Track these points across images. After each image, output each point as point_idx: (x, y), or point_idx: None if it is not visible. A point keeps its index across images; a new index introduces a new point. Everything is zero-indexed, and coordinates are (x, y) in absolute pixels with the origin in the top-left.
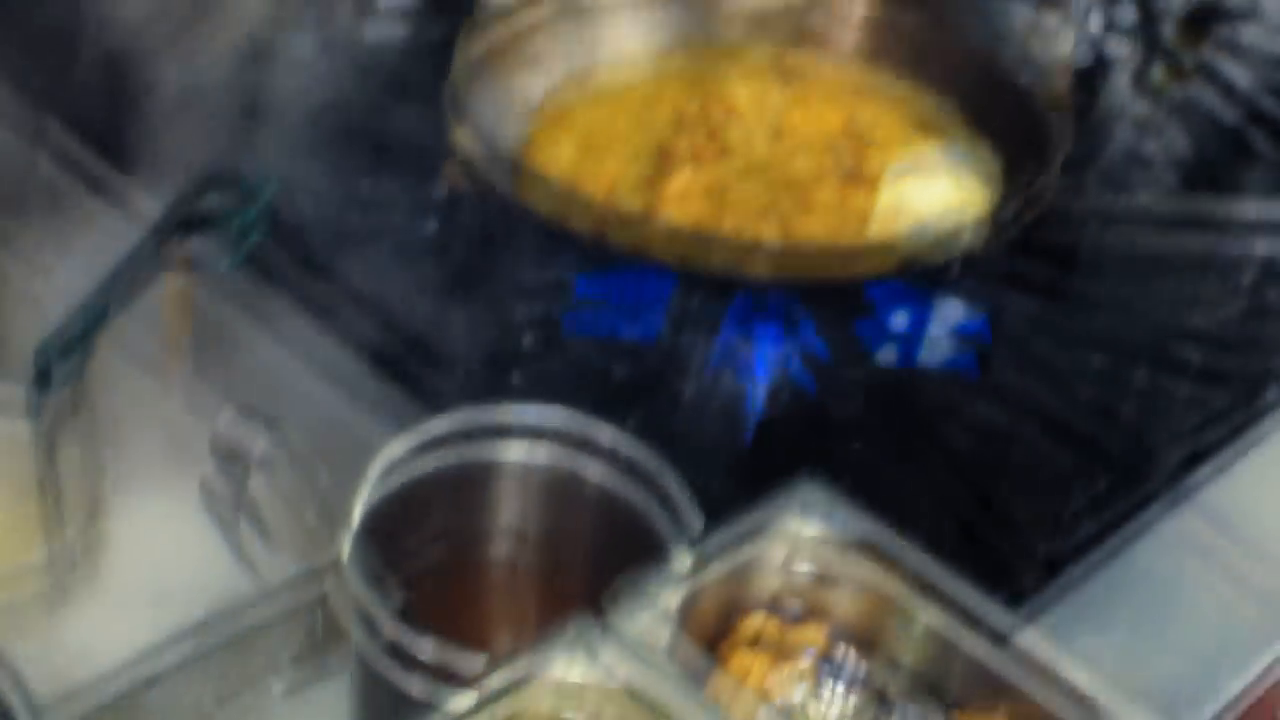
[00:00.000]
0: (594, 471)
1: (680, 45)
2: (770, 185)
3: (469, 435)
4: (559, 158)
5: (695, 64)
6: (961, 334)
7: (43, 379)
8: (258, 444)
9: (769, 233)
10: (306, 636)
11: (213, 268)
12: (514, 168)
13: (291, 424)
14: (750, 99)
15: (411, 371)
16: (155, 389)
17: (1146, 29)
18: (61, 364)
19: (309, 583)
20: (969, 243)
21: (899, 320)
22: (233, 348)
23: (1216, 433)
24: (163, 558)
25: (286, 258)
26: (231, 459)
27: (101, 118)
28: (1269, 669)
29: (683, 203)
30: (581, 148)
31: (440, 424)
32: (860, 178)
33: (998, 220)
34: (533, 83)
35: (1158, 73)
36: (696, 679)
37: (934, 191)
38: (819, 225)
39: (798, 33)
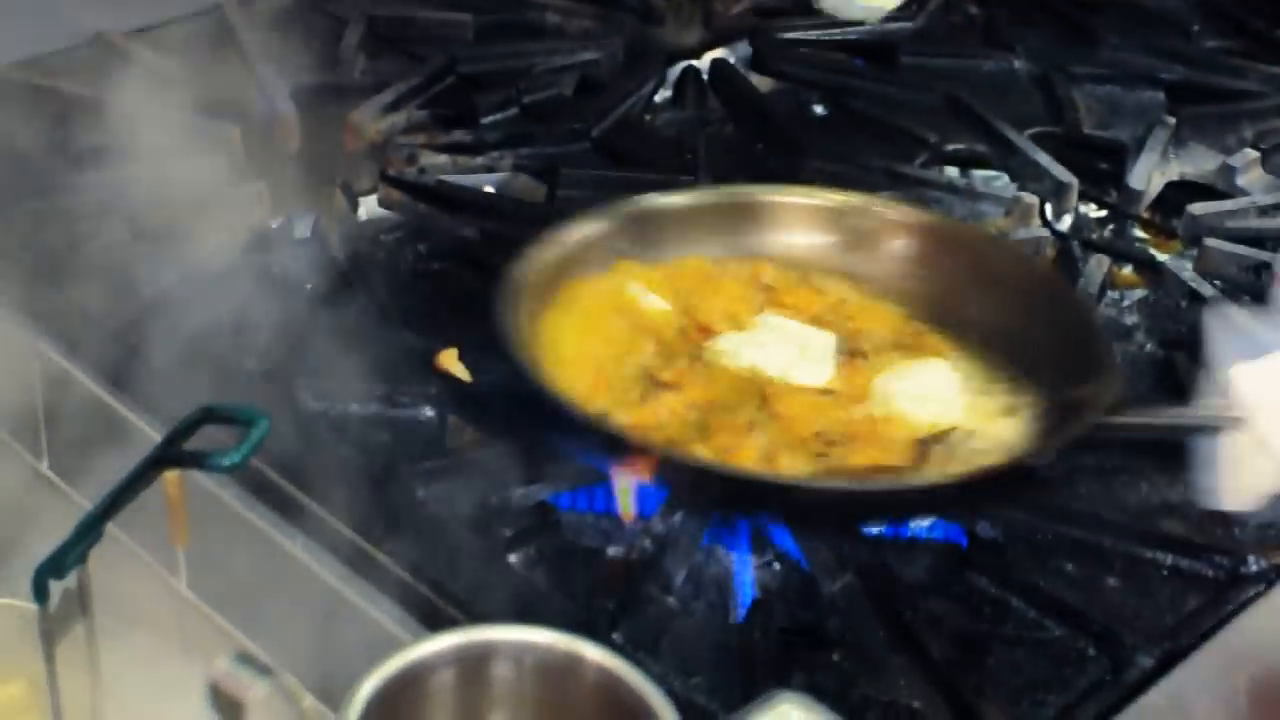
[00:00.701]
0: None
1: (667, 263)
2: (750, 401)
3: (457, 654)
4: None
5: (680, 285)
6: (939, 544)
7: (41, 595)
8: (255, 691)
9: (750, 453)
10: None
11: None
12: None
13: (276, 643)
14: (730, 318)
15: (402, 584)
16: (158, 590)
17: (1117, 227)
18: (59, 582)
19: None
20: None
21: (877, 533)
22: (226, 554)
23: (1190, 634)
24: None
25: (278, 476)
26: (227, 706)
27: (98, 342)
28: None
29: (668, 422)
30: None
31: (427, 646)
32: (846, 395)
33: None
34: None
35: (1127, 273)
36: None
37: (920, 408)
38: (804, 442)
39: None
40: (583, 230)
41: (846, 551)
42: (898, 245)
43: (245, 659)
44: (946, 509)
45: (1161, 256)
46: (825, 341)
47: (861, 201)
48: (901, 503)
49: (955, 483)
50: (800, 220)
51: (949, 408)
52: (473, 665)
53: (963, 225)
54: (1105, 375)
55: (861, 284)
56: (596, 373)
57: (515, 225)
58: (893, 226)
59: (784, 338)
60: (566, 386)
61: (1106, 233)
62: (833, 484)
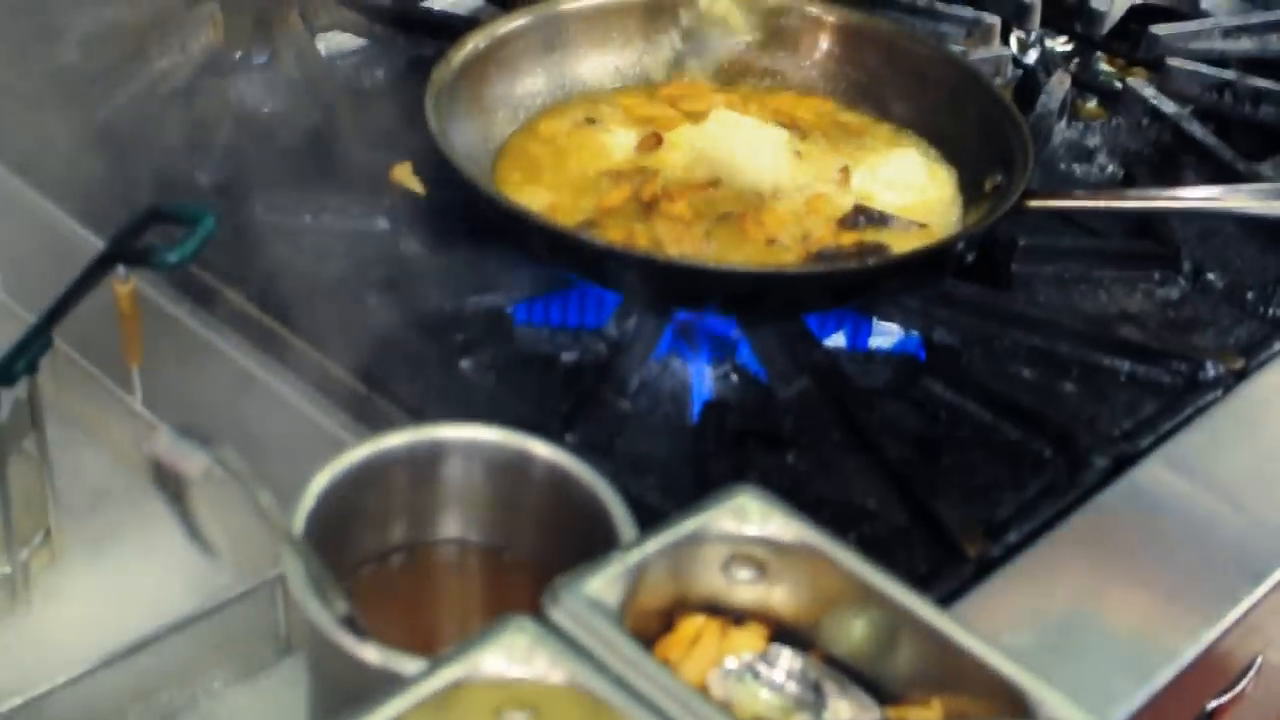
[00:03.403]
0: (543, 452)
1: (638, 82)
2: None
3: (409, 452)
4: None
5: (648, 101)
6: (897, 352)
7: None
8: (195, 463)
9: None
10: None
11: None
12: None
13: (235, 444)
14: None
15: (354, 392)
16: (114, 409)
17: (1082, 61)
18: (7, 390)
19: (258, 595)
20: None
21: (835, 341)
22: (180, 369)
23: (1146, 437)
24: (118, 570)
25: (231, 290)
26: (170, 480)
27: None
28: (1197, 658)
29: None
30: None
31: (380, 442)
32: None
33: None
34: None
35: (1092, 106)
36: (637, 674)
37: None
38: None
39: (757, 71)
40: (501, 29)
41: (803, 359)
42: (820, 42)
43: (184, 432)
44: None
45: (1128, 81)
46: (776, 136)
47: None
48: (825, 285)
49: (880, 266)
50: (721, 19)
51: (923, 194)
52: (424, 463)
53: (882, 21)
54: (1022, 161)
55: (787, 80)
56: (548, 185)
57: None
58: (813, 23)
59: (736, 132)
60: (515, 198)
61: (1072, 66)
62: (760, 269)
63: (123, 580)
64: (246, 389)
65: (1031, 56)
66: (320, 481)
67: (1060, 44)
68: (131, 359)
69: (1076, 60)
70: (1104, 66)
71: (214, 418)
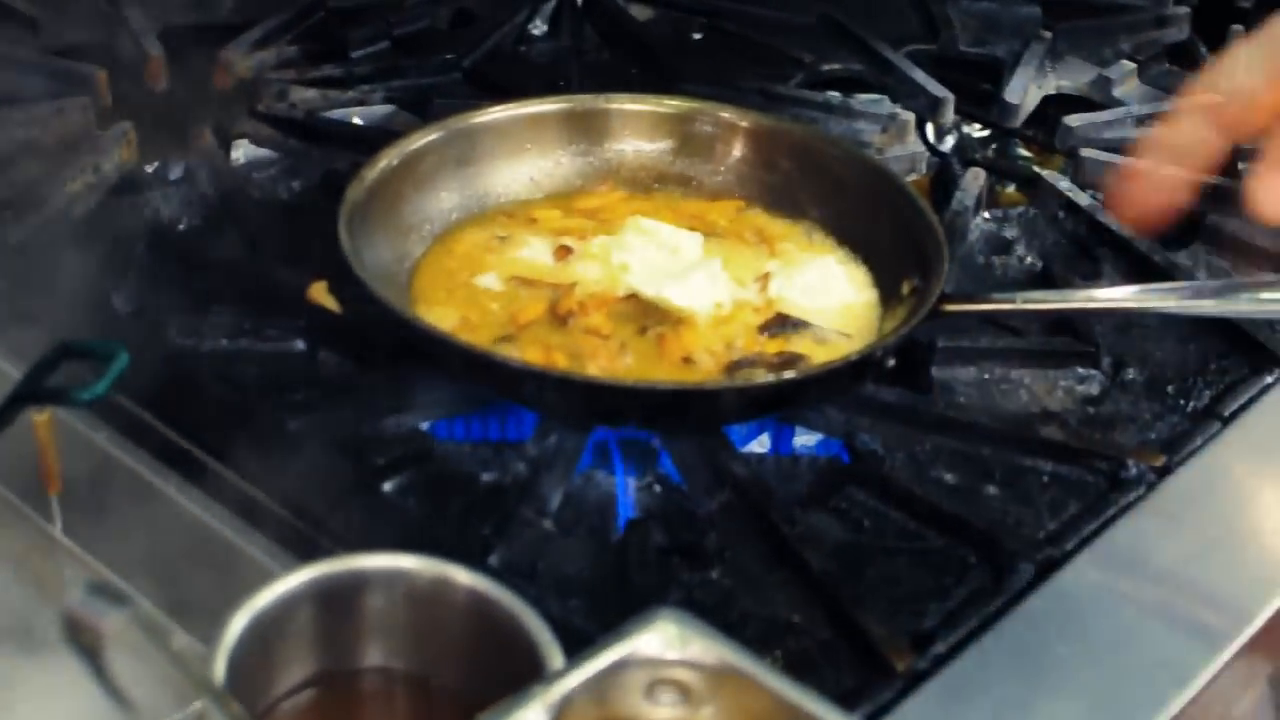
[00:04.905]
0: (464, 579)
1: (553, 192)
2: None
3: (329, 583)
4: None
5: (563, 213)
6: (820, 454)
7: None
8: (110, 620)
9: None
10: None
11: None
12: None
13: (158, 570)
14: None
15: (276, 517)
16: (29, 534)
17: (999, 146)
18: None
19: None
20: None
21: (757, 449)
22: (100, 496)
23: (1071, 539)
24: (39, 707)
25: (150, 415)
26: (85, 636)
27: None
28: None
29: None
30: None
31: (298, 576)
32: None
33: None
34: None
35: (1010, 191)
36: None
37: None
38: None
39: (672, 178)
40: (414, 145)
41: (725, 470)
42: (734, 147)
43: (100, 587)
44: (786, 403)
45: (1042, 172)
46: (694, 241)
47: (696, 106)
48: (744, 399)
49: (797, 379)
50: (635, 127)
51: (841, 298)
52: (344, 594)
53: (795, 125)
54: (937, 265)
55: (702, 186)
56: (463, 300)
57: None
58: (726, 128)
59: (652, 241)
60: (431, 315)
61: (989, 152)
62: (678, 385)
63: (44, 716)
64: (167, 514)
65: (949, 144)
66: (239, 621)
67: (977, 129)
68: (50, 487)
69: (994, 146)
70: (1022, 152)
71: (135, 544)
